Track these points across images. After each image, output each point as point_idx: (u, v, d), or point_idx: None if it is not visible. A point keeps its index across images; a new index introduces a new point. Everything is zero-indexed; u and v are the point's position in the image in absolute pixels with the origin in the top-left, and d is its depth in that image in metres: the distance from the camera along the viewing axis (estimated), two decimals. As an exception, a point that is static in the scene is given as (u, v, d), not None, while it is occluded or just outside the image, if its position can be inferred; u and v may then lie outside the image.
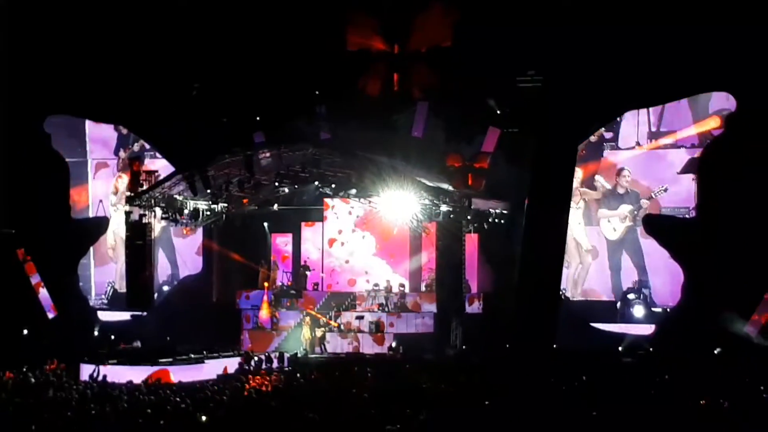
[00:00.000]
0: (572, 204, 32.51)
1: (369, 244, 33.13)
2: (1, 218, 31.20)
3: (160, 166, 34.24)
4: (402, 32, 31.43)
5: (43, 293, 32.53)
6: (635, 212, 32.80)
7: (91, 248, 36.78)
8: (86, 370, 25.40)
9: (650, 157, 32.94)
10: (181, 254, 37.52)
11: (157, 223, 31.49)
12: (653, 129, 32.91)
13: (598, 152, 33.41)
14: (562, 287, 31.67)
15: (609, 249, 33.53)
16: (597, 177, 33.46)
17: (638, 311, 31.62)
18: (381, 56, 31.52)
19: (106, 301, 37.54)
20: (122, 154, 38.79)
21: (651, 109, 32.43)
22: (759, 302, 28.39)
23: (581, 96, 28.67)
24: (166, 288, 36.88)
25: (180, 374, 25.67)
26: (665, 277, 31.98)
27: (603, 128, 32.76)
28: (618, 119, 32.79)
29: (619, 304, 32.42)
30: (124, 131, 38.23)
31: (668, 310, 31.39)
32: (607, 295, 33.37)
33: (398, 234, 32.22)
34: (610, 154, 33.40)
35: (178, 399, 19.72)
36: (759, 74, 27.85)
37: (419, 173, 29.13)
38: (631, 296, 32.15)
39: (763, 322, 28.41)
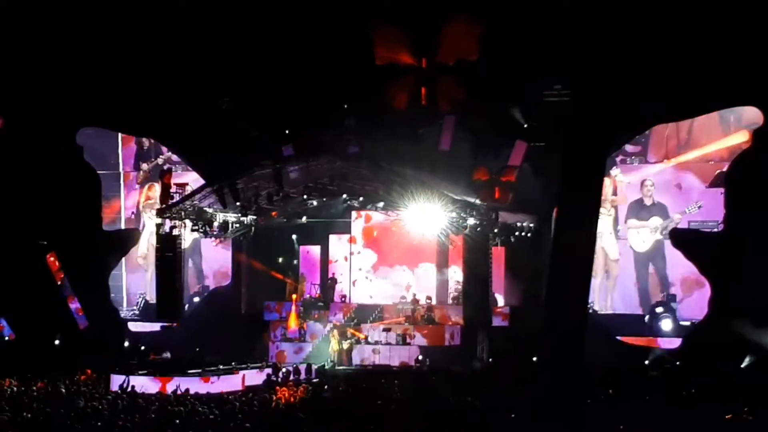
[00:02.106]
0: (604, 211, 32.80)
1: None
2: (33, 230, 31.61)
3: (189, 179, 34.61)
4: (429, 46, 31.56)
5: (75, 304, 32.91)
6: (666, 227, 32.85)
7: (123, 259, 37.22)
8: (117, 381, 25.73)
9: (678, 171, 33.03)
10: (211, 266, 37.88)
11: (188, 235, 31.86)
12: (682, 143, 33.05)
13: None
14: (589, 300, 31.73)
15: (636, 261, 33.54)
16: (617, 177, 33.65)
17: (666, 325, 31.56)
18: (409, 70, 31.67)
19: (137, 312, 37.97)
20: (144, 166, 39.29)
21: (680, 122, 32.50)
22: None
23: (609, 108, 28.73)
24: (196, 299, 37.27)
25: (208, 385, 25.97)
26: (693, 291, 31.92)
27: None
28: (646, 133, 32.89)
29: (647, 318, 32.38)
30: (145, 145, 38.77)
31: (695, 323, 31.36)
32: (635, 309, 33.34)
33: (422, 249, 32.34)
34: (638, 167, 33.55)
35: (206, 409, 19.96)
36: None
37: (446, 186, 29.26)
38: (659, 310, 32.11)
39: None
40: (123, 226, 38.76)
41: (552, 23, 28.66)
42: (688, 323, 31.82)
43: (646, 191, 33.31)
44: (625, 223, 33.77)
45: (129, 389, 24.76)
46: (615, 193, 33.90)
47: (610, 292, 34.03)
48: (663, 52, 27.92)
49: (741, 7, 27.22)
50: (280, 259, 33.71)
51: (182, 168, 37.09)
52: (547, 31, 28.77)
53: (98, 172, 34.90)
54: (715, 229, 31.62)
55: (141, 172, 39.57)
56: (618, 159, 33.61)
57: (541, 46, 28.87)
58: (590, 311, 31.95)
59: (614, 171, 33.64)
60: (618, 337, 31.05)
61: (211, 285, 37.91)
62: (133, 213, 39.39)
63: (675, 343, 30.36)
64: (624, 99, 28.44)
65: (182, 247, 30.98)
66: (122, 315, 36.62)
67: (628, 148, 33.45)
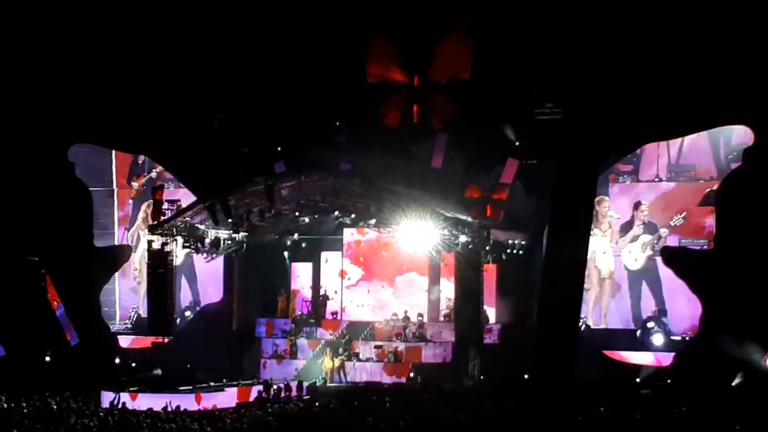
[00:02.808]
0: (599, 232, 33.23)
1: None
2: (24, 246, 31.57)
3: (182, 195, 34.58)
4: (422, 64, 31.69)
5: (65, 320, 32.85)
6: (654, 242, 33.12)
7: (116, 273, 37.25)
8: (107, 398, 25.66)
9: (669, 190, 33.28)
10: (203, 282, 37.87)
11: (180, 251, 31.86)
12: (672, 162, 33.32)
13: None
14: (583, 315, 32.10)
15: (630, 278, 33.78)
16: (610, 213, 33.94)
17: (658, 339, 31.87)
18: (401, 87, 31.78)
19: (130, 326, 37.93)
20: (134, 182, 39.29)
21: (670, 141, 32.74)
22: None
23: (600, 128, 28.93)
24: (188, 314, 37.24)
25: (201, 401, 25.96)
26: (685, 306, 32.05)
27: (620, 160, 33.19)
28: (638, 152, 33.14)
29: (639, 333, 32.69)
30: (140, 160, 38.79)
31: (687, 338, 31.48)
32: (628, 324, 33.56)
33: (414, 266, 32.50)
34: (630, 186, 33.83)
35: (197, 426, 19.94)
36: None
37: (438, 204, 29.33)
38: (650, 324, 32.44)
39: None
40: (116, 242, 38.72)
41: (544, 42, 28.85)
42: (678, 338, 31.95)
43: (640, 214, 33.59)
44: (616, 243, 33.99)
45: (120, 405, 24.72)
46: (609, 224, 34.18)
47: (605, 308, 34.16)
48: (653, 72, 28.15)
49: (730, 29, 27.46)
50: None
51: (175, 184, 37.06)
52: (539, 50, 28.95)
53: (93, 188, 35.03)
54: (705, 247, 31.80)
55: (134, 188, 39.53)
56: (610, 177, 33.80)
57: (533, 65, 29.03)
58: (584, 327, 32.23)
59: (610, 212, 33.93)
60: (608, 353, 31.15)
61: (203, 300, 37.86)
62: (126, 229, 39.36)
63: (666, 360, 30.46)
64: (614, 118, 28.66)
65: (174, 264, 30.95)
66: (115, 328, 36.61)
67: (620, 167, 33.66)
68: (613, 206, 34.08)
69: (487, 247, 29.32)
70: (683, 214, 32.63)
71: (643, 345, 31.96)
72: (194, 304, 37.97)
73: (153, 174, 38.61)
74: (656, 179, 33.63)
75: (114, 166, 39.12)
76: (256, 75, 31.44)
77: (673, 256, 31.46)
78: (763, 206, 28.12)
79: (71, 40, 31.12)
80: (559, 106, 29.00)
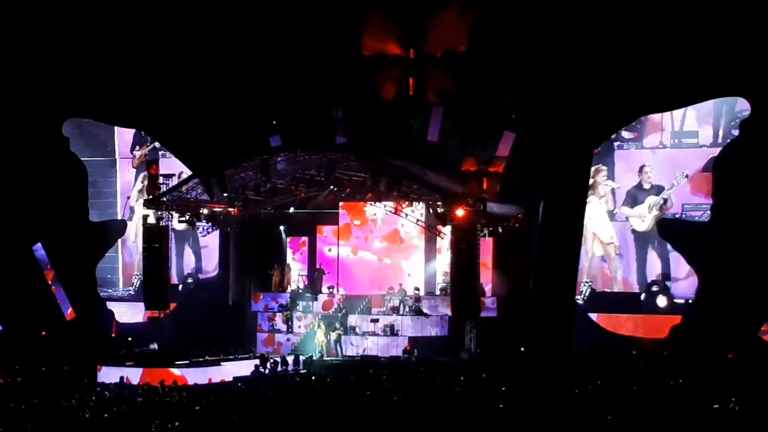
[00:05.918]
0: (596, 200, 33.50)
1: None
2: (19, 222, 31.50)
3: (178, 165, 34.47)
4: (417, 36, 31.51)
5: (62, 296, 32.85)
6: (661, 202, 33.17)
7: (119, 240, 37.37)
8: (104, 373, 25.69)
9: (673, 156, 33.28)
10: (203, 252, 37.92)
11: (177, 224, 31.87)
12: (676, 128, 33.36)
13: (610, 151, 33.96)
14: (588, 280, 33.07)
15: (636, 242, 33.87)
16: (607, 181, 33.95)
17: (662, 301, 32.20)
18: (396, 60, 31.62)
19: (133, 292, 37.94)
20: (137, 151, 39.16)
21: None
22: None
23: (597, 99, 28.87)
24: (191, 280, 37.28)
25: (196, 376, 26.00)
26: (689, 270, 32.13)
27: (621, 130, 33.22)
28: (642, 119, 33.16)
29: (643, 296, 33.02)
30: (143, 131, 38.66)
31: (690, 301, 31.51)
32: (632, 287, 33.81)
33: (410, 240, 32.46)
34: (634, 153, 33.82)
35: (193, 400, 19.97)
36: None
37: (434, 177, 29.22)
38: (654, 288, 32.84)
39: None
40: (119, 212, 38.71)
41: (542, 14, 28.70)
42: (682, 301, 32.09)
43: (645, 176, 33.68)
44: (621, 207, 34.12)
45: (118, 381, 24.78)
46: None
47: (613, 271, 34.34)
48: (652, 44, 28.04)
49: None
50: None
51: (170, 155, 36.88)
52: (537, 21, 28.81)
53: (95, 158, 34.93)
54: (705, 215, 31.69)
55: (136, 157, 39.44)
56: (615, 145, 33.88)
57: (530, 37, 28.89)
58: (589, 290, 33.04)
59: (606, 182, 33.96)
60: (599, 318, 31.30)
61: (205, 269, 37.96)
62: (128, 197, 39.34)
63: (661, 334, 30.55)
64: (612, 90, 28.60)
65: (169, 238, 30.89)
66: (118, 294, 36.66)
67: (624, 134, 33.74)
68: (618, 173, 34.08)
69: (484, 220, 29.24)
70: (685, 172, 32.67)
71: (648, 308, 32.36)
72: (197, 271, 38.02)
73: (156, 143, 38.43)
74: (660, 145, 33.67)
75: (116, 135, 39.01)
76: (252, 47, 31.26)
77: (669, 228, 31.51)
78: (759, 178, 28.13)
79: (64, 13, 30.93)
80: (555, 79, 28.91)
